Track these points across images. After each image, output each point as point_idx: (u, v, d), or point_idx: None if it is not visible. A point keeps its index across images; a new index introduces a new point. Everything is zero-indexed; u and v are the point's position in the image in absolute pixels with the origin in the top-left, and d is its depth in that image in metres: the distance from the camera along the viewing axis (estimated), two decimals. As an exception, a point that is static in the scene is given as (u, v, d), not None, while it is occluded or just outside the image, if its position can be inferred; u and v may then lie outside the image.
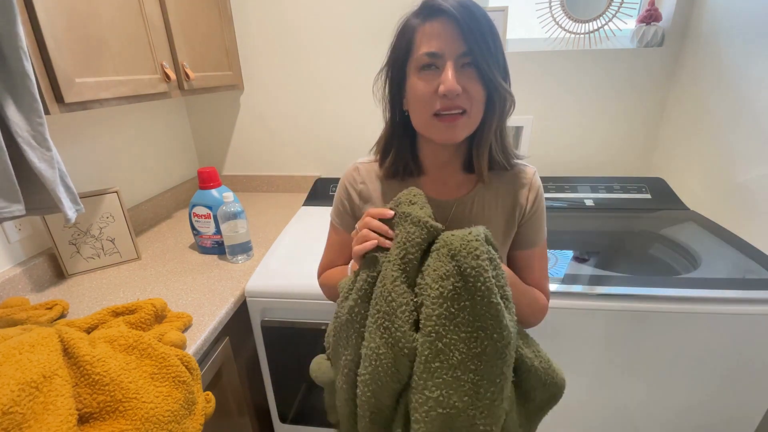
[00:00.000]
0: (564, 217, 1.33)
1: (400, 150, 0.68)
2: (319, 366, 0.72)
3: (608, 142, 1.54)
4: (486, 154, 0.64)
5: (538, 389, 0.64)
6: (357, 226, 0.61)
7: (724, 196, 1.23)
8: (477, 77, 0.57)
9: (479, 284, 0.51)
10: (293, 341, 1.06)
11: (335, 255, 0.78)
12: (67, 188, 0.75)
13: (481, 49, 0.55)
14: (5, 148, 0.64)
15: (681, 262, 1.10)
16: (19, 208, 0.68)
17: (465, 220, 0.67)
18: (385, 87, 0.65)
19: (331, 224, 0.79)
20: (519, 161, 0.69)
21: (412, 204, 0.58)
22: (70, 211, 0.75)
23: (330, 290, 0.76)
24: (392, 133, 0.67)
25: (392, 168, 0.68)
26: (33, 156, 0.68)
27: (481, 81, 0.57)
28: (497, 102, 0.59)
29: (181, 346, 0.77)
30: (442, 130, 0.59)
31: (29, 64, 0.64)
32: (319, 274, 0.80)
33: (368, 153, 0.74)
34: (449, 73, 0.55)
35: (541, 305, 0.70)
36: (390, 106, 0.66)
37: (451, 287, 0.52)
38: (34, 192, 0.72)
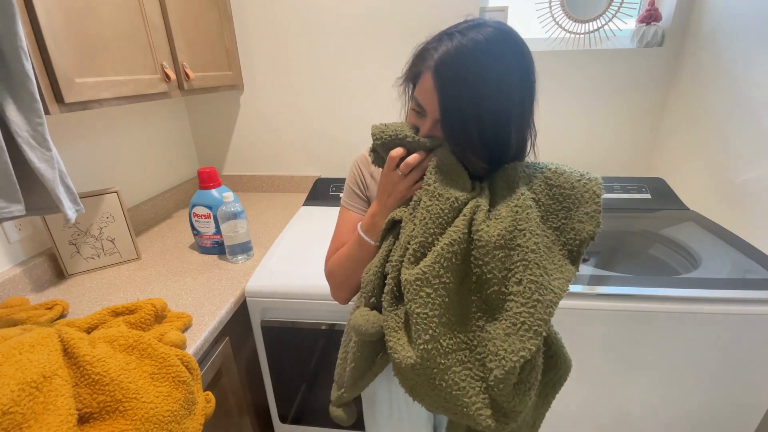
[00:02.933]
0: (564, 217, 1.33)
1: None
2: (367, 318, 0.61)
3: (608, 142, 1.54)
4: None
5: (558, 357, 0.64)
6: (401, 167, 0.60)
7: (724, 196, 1.23)
8: None
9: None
10: (293, 341, 1.06)
11: (347, 237, 0.74)
12: (67, 188, 0.75)
13: (453, 119, 0.55)
14: (5, 148, 0.64)
15: (681, 262, 1.10)
16: (19, 209, 0.68)
17: None
18: (404, 87, 0.66)
19: (342, 208, 0.77)
20: None
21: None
22: (70, 211, 0.75)
23: (338, 275, 0.72)
24: None
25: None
26: (33, 156, 0.68)
27: None
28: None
29: (181, 346, 0.77)
30: None
31: (29, 64, 0.64)
32: (326, 263, 0.76)
33: None
34: (426, 127, 0.59)
35: None
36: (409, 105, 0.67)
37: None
38: (34, 192, 0.72)
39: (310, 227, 1.32)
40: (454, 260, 0.54)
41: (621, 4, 1.34)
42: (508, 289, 0.53)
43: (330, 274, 0.74)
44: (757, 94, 1.10)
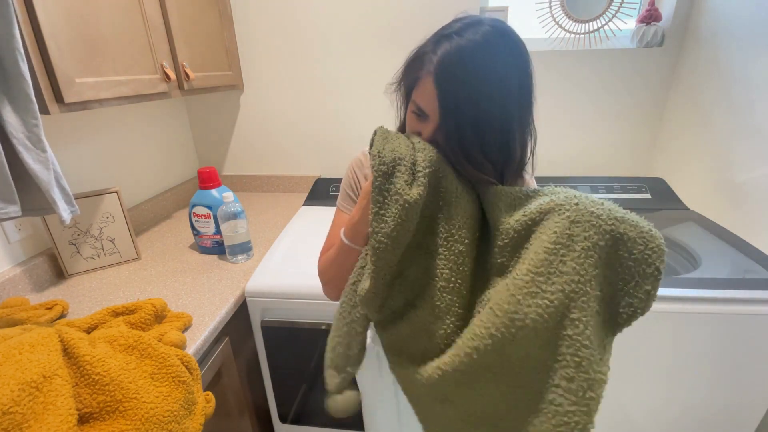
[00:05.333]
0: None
1: None
2: (348, 402, 0.66)
3: (608, 142, 1.54)
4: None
5: None
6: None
7: (724, 196, 1.23)
8: None
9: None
10: (293, 341, 1.06)
11: (337, 238, 0.75)
12: (62, 189, 0.75)
13: (450, 126, 0.54)
14: (1, 150, 0.64)
15: (681, 262, 1.10)
16: (15, 209, 0.68)
17: None
18: (397, 94, 0.66)
19: (337, 210, 0.78)
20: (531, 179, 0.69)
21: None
22: (65, 212, 0.75)
23: (326, 274, 0.74)
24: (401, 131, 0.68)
25: None
26: (28, 157, 0.68)
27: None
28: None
29: (181, 346, 0.77)
30: None
31: (25, 66, 0.64)
32: (318, 261, 0.77)
33: None
34: (428, 131, 0.58)
35: None
36: (403, 110, 0.66)
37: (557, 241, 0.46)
38: (29, 193, 0.72)
39: (310, 227, 1.32)
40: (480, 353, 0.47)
41: (621, 4, 1.34)
42: (552, 380, 0.46)
43: (320, 273, 0.75)
44: (758, 93, 1.10)
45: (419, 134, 0.59)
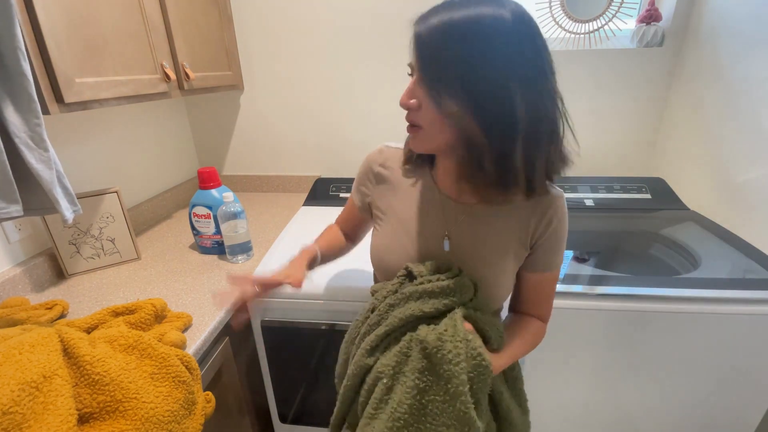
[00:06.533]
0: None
1: None
2: None
3: (608, 142, 1.54)
4: (479, 180, 0.57)
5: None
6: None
7: (724, 196, 1.23)
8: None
9: (450, 387, 0.53)
10: (293, 341, 1.06)
11: (342, 217, 0.88)
12: (65, 189, 0.75)
13: (428, 66, 0.52)
14: (3, 149, 0.64)
15: (681, 262, 1.10)
16: (17, 209, 0.68)
17: (472, 229, 0.66)
18: None
19: (350, 197, 0.84)
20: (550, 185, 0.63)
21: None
22: (68, 212, 0.75)
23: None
24: None
25: (410, 155, 0.70)
26: (30, 157, 0.68)
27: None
28: (465, 127, 0.53)
29: (181, 346, 0.77)
30: (409, 137, 0.61)
31: (27, 65, 0.64)
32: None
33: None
34: (408, 87, 0.56)
35: (539, 338, 0.72)
36: None
37: (422, 383, 0.56)
38: (31, 192, 0.72)
39: (310, 227, 1.32)
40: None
41: (621, 4, 1.34)
42: None
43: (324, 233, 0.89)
44: (758, 93, 1.10)
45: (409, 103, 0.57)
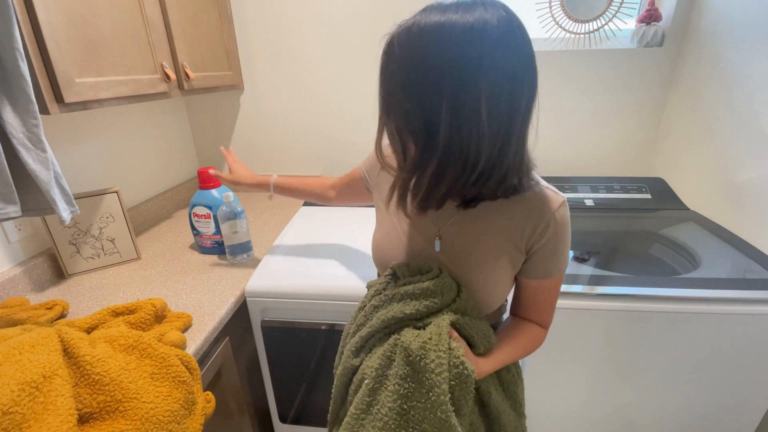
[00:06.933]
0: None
1: None
2: None
3: (608, 142, 1.54)
4: (447, 184, 0.53)
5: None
6: None
7: (724, 196, 1.23)
8: None
9: (432, 395, 0.54)
10: (293, 341, 1.06)
11: (343, 177, 0.93)
12: (62, 189, 0.75)
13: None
14: (1, 150, 0.64)
15: (681, 262, 1.10)
16: (15, 209, 0.68)
17: (466, 230, 0.65)
18: None
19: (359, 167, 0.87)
20: (546, 186, 0.63)
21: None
22: (65, 213, 0.75)
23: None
24: None
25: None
26: (28, 157, 0.68)
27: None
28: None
29: (181, 346, 0.77)
30: None
31: (25, 66, 0.64)
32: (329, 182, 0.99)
33: None
34: None
35: (537, 344, 0.71)
36: None
37: (404, 390, 0.56)
38: (29, 193, 0.72)
39: (310, 227, 1.32)
40: None
41: (621, 4, 1.34)
42: None
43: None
44: (757, 93, 1.10)
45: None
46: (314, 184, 1.01)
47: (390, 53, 0.51)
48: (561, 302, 0.94)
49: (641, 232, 1.27)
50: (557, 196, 0.62)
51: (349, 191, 0.91)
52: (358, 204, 0.96)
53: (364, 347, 0.65)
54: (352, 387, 0.66)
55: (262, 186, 1.04)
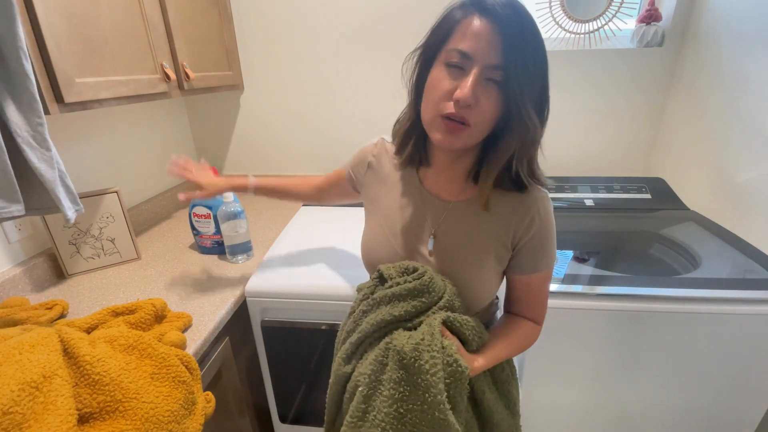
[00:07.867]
0: (564, 217, 1.33)
1: (413, 136, 0.66)
2: None
3: (608, 142, 1.54)
4: (494, 175, 0.60)
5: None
6: None
7: (724, 196, 1.23)
8: (498, 96, 0.53)
9: (428, 396, 0.54)
10: (293, 341, 1.06)
11: (328, 176, 0.90)
12: (67, 188, 0.75)
13: (517, 69, 0.51)
14: (5, 148, 0.64)
15: (681, 262, 1.10)
16: (18, 209, 0.68)
17: (456, 228, 0.66)
18: (414, 69, 0.61)
19: (342, 168, 0.86)
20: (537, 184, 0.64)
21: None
22: (70, 211, 0.75)
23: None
24: (410, 117, 0.65)
25: (402, 152, 0.69)
26: (32, 156, 0.68)
27: (502, 102, 0.54)
28: (517, 128, 0.55)
29: (181, 346, 0.77)
30: (442, 132, 0.57)
31: (29, 64, 0.64)
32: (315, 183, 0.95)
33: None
34: (469, 81, 0.52)
35: (531, 340, 0.71)
36: (415, 89, 0.62)
37: (399, 393, 0.56)
38: (33, 192, 0.72)
39: (310, 227, 1.32)
40: None
41: (621, 4, 1.34)
42: None
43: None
44: (757, 93, 1.10)
45: (450, 96, 0.54)
46: (298, 185, 0.96)
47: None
48: (561, 302, 0.94)
49: (641, 232, 1.27)
50: (540, 192, 0.64)
51: (336, 191, 0.89)
52: (344, 203, 0.94)
53: (356, 353, 0.65)
54: (346, 395, 0.65)
55: (238, 189, 0.95)
